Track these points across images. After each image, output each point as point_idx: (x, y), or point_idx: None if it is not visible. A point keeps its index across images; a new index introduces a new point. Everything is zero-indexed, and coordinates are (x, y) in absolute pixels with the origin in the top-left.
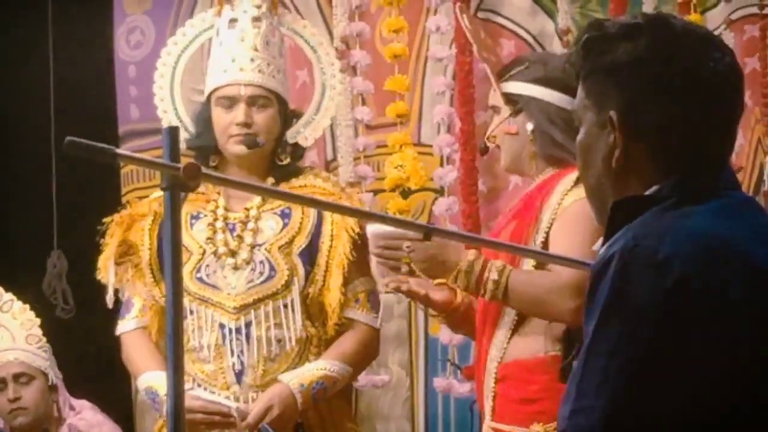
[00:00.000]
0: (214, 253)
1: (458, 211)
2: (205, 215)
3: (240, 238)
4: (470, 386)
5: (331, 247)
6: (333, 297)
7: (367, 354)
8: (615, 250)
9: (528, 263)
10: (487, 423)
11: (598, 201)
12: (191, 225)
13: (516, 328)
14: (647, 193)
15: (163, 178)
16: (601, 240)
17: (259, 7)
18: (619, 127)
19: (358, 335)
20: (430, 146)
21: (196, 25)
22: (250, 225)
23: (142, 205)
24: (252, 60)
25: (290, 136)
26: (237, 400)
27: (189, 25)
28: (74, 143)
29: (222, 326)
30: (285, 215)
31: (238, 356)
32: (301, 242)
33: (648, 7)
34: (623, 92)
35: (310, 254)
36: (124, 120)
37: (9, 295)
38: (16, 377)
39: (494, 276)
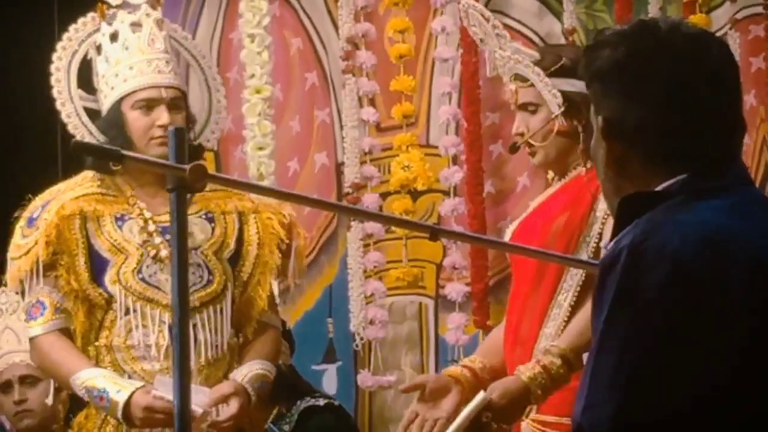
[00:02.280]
0: (154, 256)
1: (464, 211)
2: (131, 218)
3: None
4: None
5: (258, 253)
6: (261, 303)
7: (279, 356)
8: (624, 245)
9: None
10: (531, 416)
11: (609, 205)
12: (119, 226)
13: (569, 319)
14: (657, 189)
15: (169, 180)
16: (609, 236)
17: (158, 10)
18: (604, 133)
19: (273, 338)
20: (437, 147)
21: (80, 30)
22: None
23: (69, 205)
24: (167, 62)
25: (194, 138)
26: None
27: (73, 29)
28: (81, 144)
29: (171, 327)
30: (210, 220)
31: None
32: (230, 247)
33: (654, 7)
34: (608, 98)
35: (236, 260)
36: None
37: (15, 297)
38: (22, 379)
39: (557, 361)
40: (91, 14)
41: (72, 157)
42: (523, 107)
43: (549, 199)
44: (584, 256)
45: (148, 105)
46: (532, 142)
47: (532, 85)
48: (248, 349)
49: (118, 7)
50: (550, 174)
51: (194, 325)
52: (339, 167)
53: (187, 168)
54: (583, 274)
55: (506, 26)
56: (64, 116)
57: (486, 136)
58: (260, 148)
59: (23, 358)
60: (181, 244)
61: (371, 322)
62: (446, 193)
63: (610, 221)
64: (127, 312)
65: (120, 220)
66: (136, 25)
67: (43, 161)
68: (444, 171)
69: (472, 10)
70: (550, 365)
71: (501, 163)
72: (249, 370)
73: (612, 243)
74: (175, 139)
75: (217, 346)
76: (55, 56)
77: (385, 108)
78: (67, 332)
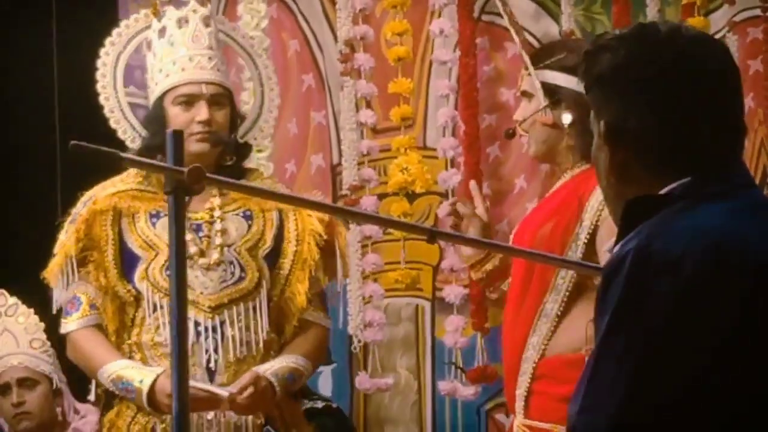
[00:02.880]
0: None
1: None
2: (166, 214)
3: (208, 238)
4: (474, 389)
5: (297, 250)
6: (300, 300)
7: (322, 354)
8: (628, 249)
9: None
10: (520, 420)
11: (611, 210)
12: (152, 223)
13: (558, 324)
14: (660, 193)
15: (167, 182)
16: (613, 240)
17: (207, 7)
18: (605, 137)
19: (316, 335)
20: (435, 149)
21: (131, 26)
22: (217, 225)
23: (102, 201)
24: (210, 59)
25: (240, 136)
26: None
27: (124, 25)
28: (79, 147)
29: (197, 324)
30: (247, 217)
31: (212, 354)
32: (267, 245)
33: (651, 10)
34: (609, 103)
35: (274, 258)
36: None
37: (14, 299)
38: (21, 382)
39: None
40: (144, 11)
41: (70, 160)
42: (523, 94)
43: (542, 203)
44: (569, 271)
45: (189, 101)
46: (520, 129)
47: (530, 73)
48: (287, 345)
49: (168, 3)
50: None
51: (222, 323)
52: (335, 169)
53: (185, 170)
54: (570, 283)
55: (503, 28)
56: (106, 111)
57: (483, 137)
58: (259, 150)
59: (21, 360)
60: (178, 245)
61: (369, 324)
62: (443, 195)
63: (601, 229)
64: (155, 309)
65: (155, 216)
66: (182, 21)
67: (42, 163)
68: (442, 173)
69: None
70: None
71: (498, 165)
72: (278, 364)
73: (617, 247)
74: (173, 141)
75: (248, 342)
76: (102, 52)
77: (381, 110)
78: (101, 328)
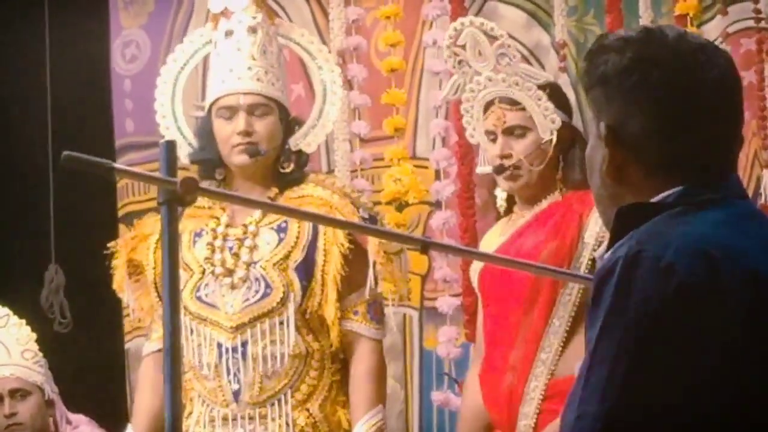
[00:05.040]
0: (212, 272)
1: (455, 224)
2: (207, 233)
3: (237, 256)
4: None
5: (324, 262)
6: (330, 311)
7: (382, 374)
8: (619, 255)
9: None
10: None
11: (601, 212)
12: (194, 243)
13: (566, 344)
14: (653, 200)
15: (160, 193)
16: (605, 246)
17: (254, 17)
18: (606, 138)
19: (366, 359)
20: (426, 160)
21: (194, 41)
22: (247, 242)
23: (147, 224)
24: (249, 69)
25: (293, 143)
26: (234, 418)
27: (188, 41)
28: (71, 157)
29: (219, 345)
30: (281, 230)
31: (235, 374)
32: (297, 257)
33: (645, 20)
34: (611, 104)
35: (306, 268)
36: (120, 134)
37: (5, 310)
38: (12, 393)
39: None
40: (209, 24)
41: (62, 170)
42: (509, 131)
43: (527, 227)
44: (575, 287)
45: (229, 113)
46: (525, 165)
47: (523, 108)
48: (354, 393)
49: (222, 14)
50: (501, 203)
51: (244, 342)
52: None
53: (177, 181)
54: (577, 299)
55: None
56: (162, 128)
57: (475, 148)
58: None
59: (13, 371)
60: (171, 257)
61: None
62: (433, 205)
63: (603, 246)
64: (190, 332)
65: (198, 235)
66: (229, 33)
67: (34, 173)
68: (435, 184)
69: (473, 28)
70: None
71: (489, 176)
72: (364, 430)
73: (608, 254)
74: (165, 152)
75: (275, 357)
76: (163, 69)
77: (371, 120)
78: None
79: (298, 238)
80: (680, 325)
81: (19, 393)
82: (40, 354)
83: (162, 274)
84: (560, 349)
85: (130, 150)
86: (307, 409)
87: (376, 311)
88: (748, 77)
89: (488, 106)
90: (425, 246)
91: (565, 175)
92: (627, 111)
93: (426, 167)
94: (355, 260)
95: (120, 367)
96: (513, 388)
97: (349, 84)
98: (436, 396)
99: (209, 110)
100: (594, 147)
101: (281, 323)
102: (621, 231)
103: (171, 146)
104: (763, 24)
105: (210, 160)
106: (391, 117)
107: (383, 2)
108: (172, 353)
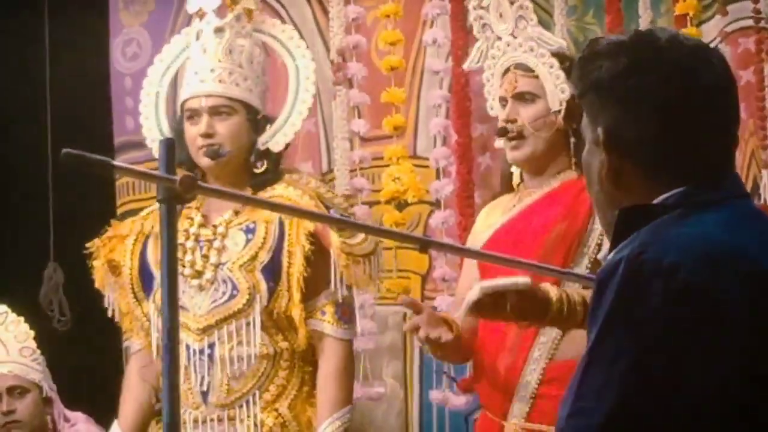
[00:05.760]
0: (182, 274)
1: (454, 223)
2: (180, 233)
3: (206, 257)
4: (466, 399)
5: (289, 263)
6: (296, 313)
7: (348, 374)
8: (621, 257)
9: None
10: (519, 424)
11: (600, 216)
12: None
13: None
14: (654, 202)
15: (159, 191)
16: (607, 248)
17: (223, 17)
18: (604, 144)
19: (333, 359)
20: (426, 159)
21: (180, 41)
22: (216, 243)
23: (124, 226)
24: (212, 70)
25: (261, 142)
26: (204, 420)
27: (173, 41)
28: (70, 155)
29: (188, 347)
30: (249, 231)
31: (203, 377)
32: (263, 258)
33: (644, 19)
34: (607, 109)
35: (273, 270)
36: (120, 131)
37: (3, 308)
38: (10, 390)
39: (578, 299)
40: (186, 29)
41: (62, 168)
42: (519, 96)
43: (536, 205)
44: (583, 267)
45: (193, 115)
46: (530, 129)
47: (536, 76)
48: (320, 394)
49: (197, 15)
50: (516, 179)
51: (212, 344)
52: (324, 177)
53: (177, 179)
54: (579, 285)
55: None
56: (144, 130)
57: (475, 147)
58: None
59: (11, 368)
60: (170, 256)
61: (360, 333)
62: (433, 205)
63: (605, 248)
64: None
65: None
66: (198, 34)
67: (33, 171)
68: (435, 183)
69: None
70: (572, 296)
71: (489, 175)
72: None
73: (610, 255)
74: (164, 149)
75: (242, 359)
76: (150, 69)
77: (371, 119)
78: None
79: (264, 239)
80: (682, 325)
81: (17, 390)
82: (38, 351)
83: (138, 275)
84: (560, 333)
85: (129, 148)
86: (276, 410)
87: (344, 312)
88: (746, 76)
89: (505, 73)
90: (424, 245)
91: (576, 152)
92: (623, 116)
93: (427, 166)
94: (318, 261)
95: (118, 364)
96: (510, 369)
97: (349, 82)
98: (435, 395)
99: (181, 113)
100: (591, 152)
101: (248, 324)
102: (623, 233)
103: (170, 144)
104: (762, 24)
105: (181, 162)
106: (390, 116)
107: (383, 1)
108: (171, 352)
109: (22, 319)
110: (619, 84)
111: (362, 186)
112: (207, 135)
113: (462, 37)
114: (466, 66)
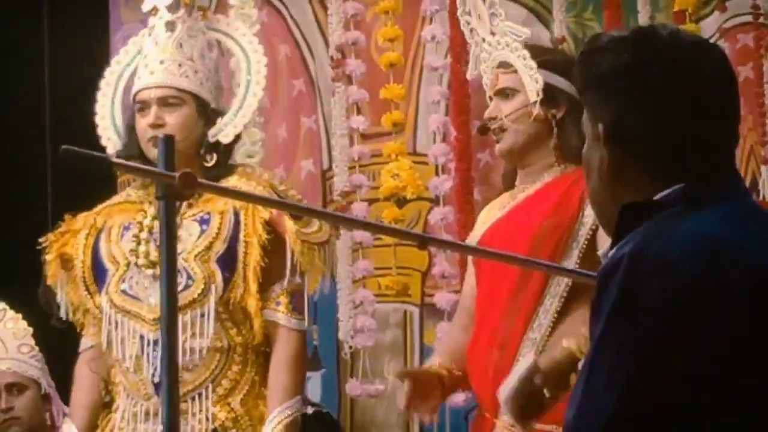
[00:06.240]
0: (136, 264)
1: (454, 220)
2: (135, 225)
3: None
4: (465, 396)
5: (245, 253)
6: (251, 303)
7: (300, 364)
8: (622, 254)
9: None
10: (510, 421)
11: (598, 212)
12: (122, 236)
13: (556, 324)
14: (655, 198)
15: (158, 187)
16: (608, 245)
17: (174, 12)
18: (605, 139)
19: (285, 348)
20: (425, 155)
21: (136, 43)
22: None
23: (77, 221)
24: (161, 62)
25: (211, 134)
26: (156, 412)
27: (130, 43)
28: (70, 151)
29: (142, 338)
30: (204, 221)
31: (156, 368)
32: (218, 248)
33: (643, 15)
34: (608, 105)
35: (228, 260)
36: None
37: (2, 304)
38: (9, 387)
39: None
40: (144, 30)
41: (61, 165)
42: (500, 92)
43: (527, 201)
44: (572, 261)
45: (143, 107)
46: (506, 123)
47: (515, 71)
48: (271, 381)
49: (152, 12)
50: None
51: None
52: (325, 174)
53: (176, 175)
54: (571, 280)
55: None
56: (100, 130)
57: (474, 144)
58: (249, 156)
59: (9, 365)
60: (169, 253)
61: (359, 330)
62: (432, 201)
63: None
64: (111, 325)
65: (126, 228)
66: (151, 30)
67: (33, 168)
68: (434, 179)
69: None
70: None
71: (488, 171)
72: (277, 422)
73: (612, 252)
74: (164, 146)
75: (195, 351)
76: (107, 71)
77: (370, 115)
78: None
79: (219, 229)
80: (684, 323)
81: (15, 387)
82: (37, 348)
83: (90, 268)
84: (550, 328)
85: None
86: (229, 404)
87: (298, 302)
88: (745, 72)
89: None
90: (423, 241)
91: (561, 144)
92: (624, 111)
93: (426, 163)
94: (275, 250)
95: None
96: (499, 367)
97: (348, 79)
98: None
99: (133, 107)
100: (591, 147)
101: (203, 315)
102: (624, 229)
103: (169, 141)
104: (761, 20)
105: (132, 156)
106: (389, 112)
107: None
108: (170, 351)
109: (20, 316)
110: (620, 79)
111: (361, 182)
112: (156, 126)
113: (461, 34)
114: (468, 76)
